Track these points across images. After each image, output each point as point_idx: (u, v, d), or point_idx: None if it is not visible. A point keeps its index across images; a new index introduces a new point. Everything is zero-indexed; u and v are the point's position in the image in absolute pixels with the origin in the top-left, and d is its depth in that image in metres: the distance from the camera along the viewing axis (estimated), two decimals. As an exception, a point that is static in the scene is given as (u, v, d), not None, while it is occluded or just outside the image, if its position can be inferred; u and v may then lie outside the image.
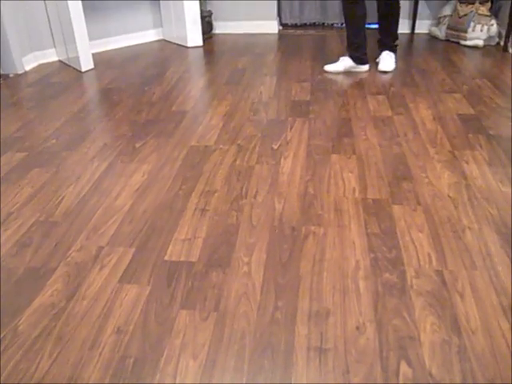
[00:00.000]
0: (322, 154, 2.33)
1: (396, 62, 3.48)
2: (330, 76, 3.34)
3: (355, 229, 1.80)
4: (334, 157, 2.30)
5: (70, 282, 1.60)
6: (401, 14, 4.25)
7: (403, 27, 4.35)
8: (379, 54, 3.51)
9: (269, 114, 2.79)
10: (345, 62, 3.40)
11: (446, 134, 2.47)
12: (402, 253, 1.67)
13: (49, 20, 3.78)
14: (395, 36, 3.44)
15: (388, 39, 3.45)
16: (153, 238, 1.79)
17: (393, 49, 3.49)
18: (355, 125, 2.61)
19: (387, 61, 3.43)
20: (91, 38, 4.06)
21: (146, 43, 4.37)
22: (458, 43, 3.97)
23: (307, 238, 1.76)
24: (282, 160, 2.29)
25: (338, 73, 3.39)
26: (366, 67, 3.41)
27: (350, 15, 3.24)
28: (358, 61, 3.38)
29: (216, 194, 2.04)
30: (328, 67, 3.42)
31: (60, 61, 3.93)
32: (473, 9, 3.84)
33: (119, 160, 2.35)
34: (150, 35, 4.42)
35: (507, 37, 3.69)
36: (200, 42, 4.21)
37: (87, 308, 1.49)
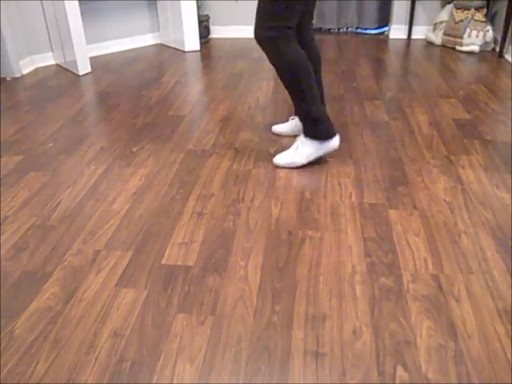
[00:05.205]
0: (318, 158, 2.33)
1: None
2: (326, 81, 3.36)
3: (352, 233, 1.80)
4: (331, 161, 2.30)
5: (66, 285, 1.59)
6: (398, 20, 4.33)
7: (400, 33, 4.38)
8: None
9: (266, 119, 2.80)
10: (303, 151, 2.19)
11: (441, 139, 2.48)
12: (398, 257, 1.67)
13: (46, 23, 3.79)
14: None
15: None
16: (150, 241, 1.79)
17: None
18: (352, 129, 2.62)
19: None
20: (88, 42, 4.06)
21: (143, 47, 4.38)
22: (454, 49, 4.00)
23: (304, 242, 1.76)
24: (279, 164, 2.29)
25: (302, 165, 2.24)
26: (335, 141, 2.19)
27: (297, 65, 2.00)
28: (323, 137, 2.15)
29: (213, 198, 2.04)
30: (278, 160, 2.24)
31: (57, 64, 3.93)
32: (469, 15, 3.86)
33: (116, 164, 2.35)
34: (147, 39, 4.43)
35: (503, 42, 3.71)
36: (197, 47, 4.21)
37: (84, 312, 1.49)
